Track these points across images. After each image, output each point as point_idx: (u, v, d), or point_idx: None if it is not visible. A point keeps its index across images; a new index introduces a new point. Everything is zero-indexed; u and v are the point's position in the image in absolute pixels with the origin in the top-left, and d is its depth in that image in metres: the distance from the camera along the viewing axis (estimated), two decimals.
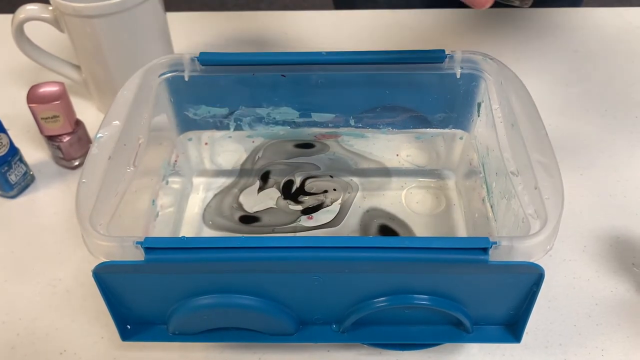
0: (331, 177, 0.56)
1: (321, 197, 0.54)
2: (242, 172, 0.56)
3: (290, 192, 0.55)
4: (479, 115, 0.51)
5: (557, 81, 0.67)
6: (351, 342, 0.44)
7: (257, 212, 0.54)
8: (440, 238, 0.37)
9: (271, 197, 0.55)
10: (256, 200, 0.55)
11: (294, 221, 0.53)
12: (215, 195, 0.55)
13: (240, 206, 0.54)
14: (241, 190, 0.55)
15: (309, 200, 0.54)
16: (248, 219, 0.53)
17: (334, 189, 0.55)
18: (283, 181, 0.56)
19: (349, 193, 0.55)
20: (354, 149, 0.56)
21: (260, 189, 0.56)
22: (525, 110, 0.44)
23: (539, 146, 0.41)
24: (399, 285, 0.39)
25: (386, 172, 0.56)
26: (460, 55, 0.48)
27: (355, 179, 0.56)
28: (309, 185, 0.56)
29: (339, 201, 0.54)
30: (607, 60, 0.70)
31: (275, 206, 0.54)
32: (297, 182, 0.56)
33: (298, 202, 0.54)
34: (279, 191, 0.55)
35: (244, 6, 2.01)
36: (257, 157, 0.56)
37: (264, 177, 0.56)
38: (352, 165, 0.56)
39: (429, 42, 0.72)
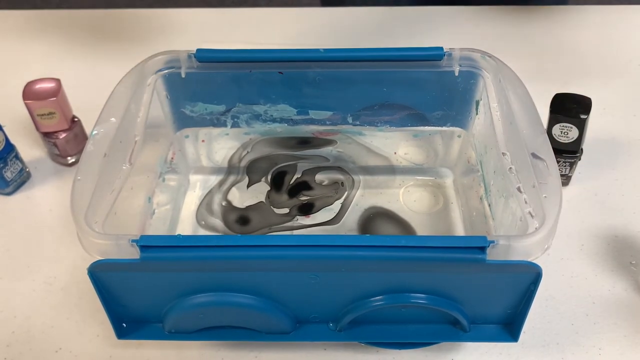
0: (340, 168, 0.56)
1: (330, 193, 0.54)
2: (231, 169, 0.56)
3: (282, 187, 0.55)
4: (477, 113, 0.50)
5: (556, 79, 0.67)
6: (348, 341, 0.44)
7: (246, 207, 0.53)
8: (438, 237, 0.37)
9: (261, 191, 0.55)
10: (247, 195, 0.54)
11: (292, 220, 0.53)
12: (206, 194, 0.55)
13: (229, 203, 0.54)
14: (230, 187, 0.55)
15: (310, 196, 0.54)
16: (241, 218, 0.53)
17: (342, 183, 0.55)
18: (271, 175, 0.56)
19: (350, 190, 0.55)
20: (362, 141, 0.55)
21: (250, 183, 0.55)
22: (523, 108, 0.43)
23: (537, 144, 0.41)
24: (396, 284, 0.39)
25: (391, 169, 0.56)
26: (458, 53, 0.48)
27: (360, 176, 0.56)
28: (319, 178, 0.55)
29: (341, 200, 0.54)
30: (606, 57, 0.69)
31: (265, 201, 0.54)
32: (298, 175, 0.56)
33: (295, 198, 0.54)
34: (269, 185, 0.55)
35: (242, 3, 2.01)
36: (245, 153, 0.56)
37: (255, 172, 0.56)
38: (356, 162, 0.56)
39: (427, 40, 0.72)
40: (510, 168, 0.42)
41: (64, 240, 0.52)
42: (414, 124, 0.53)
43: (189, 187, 0.55)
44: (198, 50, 0.48)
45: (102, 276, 0.38)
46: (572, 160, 0.53)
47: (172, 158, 0.53)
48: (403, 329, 0.42)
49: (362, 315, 0.40)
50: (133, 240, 0.36)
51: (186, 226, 0.52)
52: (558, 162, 0.48)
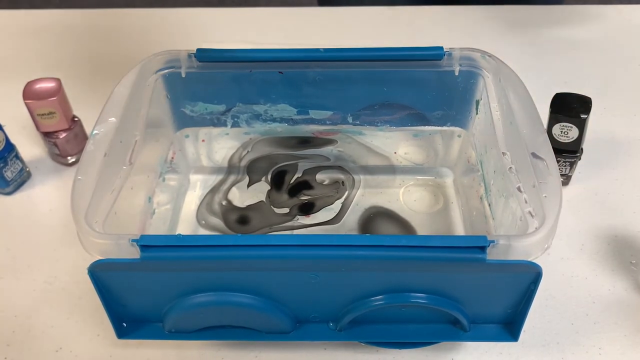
0: (340, 167, 0.56)
1: (331, 193, 0.54)
2: (231, 169, 0.56)
3: (282, 186, 0.55)
4: (477, 113, 0.50)
5: (556, 78, 0.67)
6: (348, 341, 0.44)
7: (247, 206, 0.53)
8: (438, 236, 0.37)
9: (262, 191, 0.55)
10: (247, 195, 0.54)
11: (292, 219, 0.53)
12: (207, 194, 0.55)
13: (229, 202, 0.54)
14: (230, 187, 0.55)
15: (311, 195, 0.54)
16: (242, 218, 0.53)
17: (342, 183, 0.55)
18: (271, 175, 0.56)
19: (350, 190, 0.55)
20: (363, 141, 0.55)
21: (250, 183, 0.55)
22: (523, 108, 0.43)
23: (537, 144, 0.41)
24: (396, 284, 0.39)
25: (391, 169, 0.56)
26: (458, 53, 0.48)
27: (360, 175, 0.56)
28: (319, 177, 0.55)
29: (342, 199, 0.54)
30: (606, 57, 0.69)
31: (265, 201, 0.54)
32: (298, 175, 0.56)
33: (295, 198, 0.54)
34: (269, 184, 0.55)
35: (242, 3, 2.01)
36: (245, 152, 0.56)
37: (255, 172, 0.56)
38: (356, 161, 0.56)
39: (427, 40, 0.72)
40: (510, 168, 0.42)
41: (65, 239, 0.52)
42: (414, 123, 0.53)
43: (189, 187, 0.55)
44: (198, 50, 0.48)
45: (102, 276, 0.38)
46: (572, 160, 0.53)
47: (172, 158, 0.53)
48: (403, 328, 0.42)
49: (362, 315, 0.40)
50: (133, 240, 0.36)
51: (186, 226, 0.52)
52: (558, 161, 0.48)
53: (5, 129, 0.54)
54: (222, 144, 0.56)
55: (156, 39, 0.74)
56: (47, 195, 0.56)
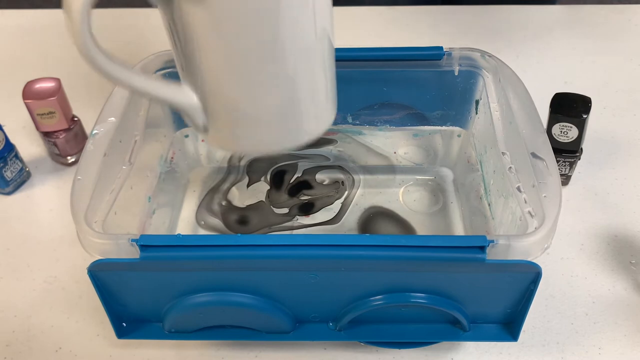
0: (340, 167, 0.56)
1: (331, 192, 0.54)
2: (231, 168, 0.56)
3: (282, 186, 0.55)
4: (476, 113, 0.50)
5: (555, 78, 0.67)
6: (348, 340, 0.44)
7: (246, 206, 0.53)
8: (438, 236, 0.37)
9: (261, 191, 0.55)
10: (247, 195, 0.54)
11: (292, 219, 0.53)
12: (206, 194, 0.55)
13: (229, 202, 0.54)
14: (230, 187, 0.55)
15: (311, 195, 0.54)
16: (241, 218, 0.53)
17: (342, 183, 0.55)
18: (271, 174, 0.56)
19: (350, 190, 0.55)
20: (362, 140, 0.55)
21: (250, 183, 0.55)
22: (523, 108, 0.43)
23: (537, 144, 0.41)
24: (396, 284, 0.39)
25: (391, 169, 0.56)
26: (458, 53, 0.48)
27: (360, 175, 0.56)
28: (319, 177, 0.55)
29: (341, 199, 0.54)
30: (606, 57, 0.69)
31: (265, 201, 0.54)
32: (298, 174, 0.56)
33: (295, 198, 0.54)
34: (269, 184, 0.55)
35: None
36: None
37: (255, 172, 0.56)
38: (356, 161, 0.56)
39: (427, 39, 0.72)
40: (510, 167, 0.42)
41: (64, 239, 0.52)
42: (414, 123, 0.53)
43: (189, 187, 0.55)
44: None
45: (102, 276, 0.38)
46: (572, 160, 0.53)
47: (172, 157, 0.53)
48: (403, 328, 0.42)
49: (362, 315, 0.40)
50: (133, 240, 0.36)
51: (186, 226, 0.52)
52: (558, 161, 0.48)
53: (5, 129, 0.54)
54: None
55: (156, 39, 0.74)
56: (47, 195, 0.56)
